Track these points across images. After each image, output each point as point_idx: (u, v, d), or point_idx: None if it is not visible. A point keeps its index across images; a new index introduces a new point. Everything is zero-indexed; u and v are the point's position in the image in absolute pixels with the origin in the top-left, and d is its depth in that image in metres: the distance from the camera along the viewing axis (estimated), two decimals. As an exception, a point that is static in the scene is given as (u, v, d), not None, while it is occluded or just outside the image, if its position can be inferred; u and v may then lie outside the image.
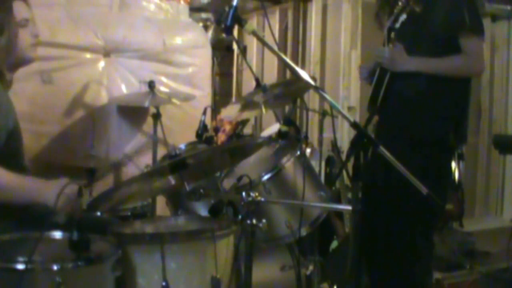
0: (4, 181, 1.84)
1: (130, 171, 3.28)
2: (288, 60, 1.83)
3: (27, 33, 2.08)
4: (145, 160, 3.15)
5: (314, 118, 4.77)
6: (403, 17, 2.50)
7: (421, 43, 2.49)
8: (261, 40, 1.85)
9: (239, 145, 2.44)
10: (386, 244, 2.59)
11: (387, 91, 2.54)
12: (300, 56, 5.50)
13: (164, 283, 1.72)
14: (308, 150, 3.33)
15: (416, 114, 2.53)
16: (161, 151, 3.14)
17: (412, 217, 2.50)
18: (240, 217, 1.87)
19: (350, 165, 1.75)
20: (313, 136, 4.52)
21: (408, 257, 2.56)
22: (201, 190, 1.95)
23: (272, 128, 3.71)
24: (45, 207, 1.79)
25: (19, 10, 2.05)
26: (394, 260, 2.59)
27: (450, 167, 2.69)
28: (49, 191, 1.79)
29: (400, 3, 2.49)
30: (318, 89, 1.83)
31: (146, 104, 3.06)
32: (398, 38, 2.51)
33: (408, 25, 2.50)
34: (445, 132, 2.51)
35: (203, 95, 3.57)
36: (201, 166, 2.11)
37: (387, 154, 1.64)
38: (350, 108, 4.81)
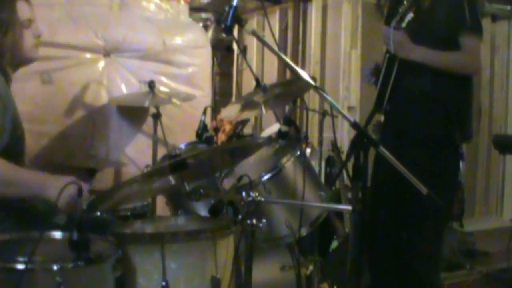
0: (7, 173, 1.80)
1: (130, 171, 3.28)
2: (288, 60, 1.83)
3: (30, 34, 2.10)
4: (145, 160, 3.15)
5: (314, 118, 4.77)
6: (410, 16, 2.51)
7: (425, 41, 2.50)
8: (261, 40, 1.85)
9: (239, 145, 2.44)
10: (393, 242, 2.59)
11: (393, 89, 2.55)
12: (300, 56, 5.50)
13: (164, 283, 1.72)
14: (308, 150, 3.33)
15: (423, 111, 2.54)
16: (161, 151, 3.14)
17: (419, 213, 2.49)
18: (240, 217, 1.87)
19: (350, 165, 1.75)
20: (313, 136, 4.52)
21: (414, 255, 2.56)
22: (201, 190, 1.95)
23: (272, 128, 3.71)
24: (45, 206, 1.78)
25: (22, 11, 2.06)
26: (399, 258, 2.58)
27: (457, 165, 2.69)
28: (52, 187, 1.76)
29: (405, 2, 2.49)
30: (318, 89, 1.83)
31: (146, 104, 3.06)
32: None
33: (415, 24, 2.51)
34: (451, 130, 2.52)
35: (203, 95, 3.57)
36: (201, 166, 2.11)
37: (387, 154, 1.64)
38: (350, 108, 4.81)
